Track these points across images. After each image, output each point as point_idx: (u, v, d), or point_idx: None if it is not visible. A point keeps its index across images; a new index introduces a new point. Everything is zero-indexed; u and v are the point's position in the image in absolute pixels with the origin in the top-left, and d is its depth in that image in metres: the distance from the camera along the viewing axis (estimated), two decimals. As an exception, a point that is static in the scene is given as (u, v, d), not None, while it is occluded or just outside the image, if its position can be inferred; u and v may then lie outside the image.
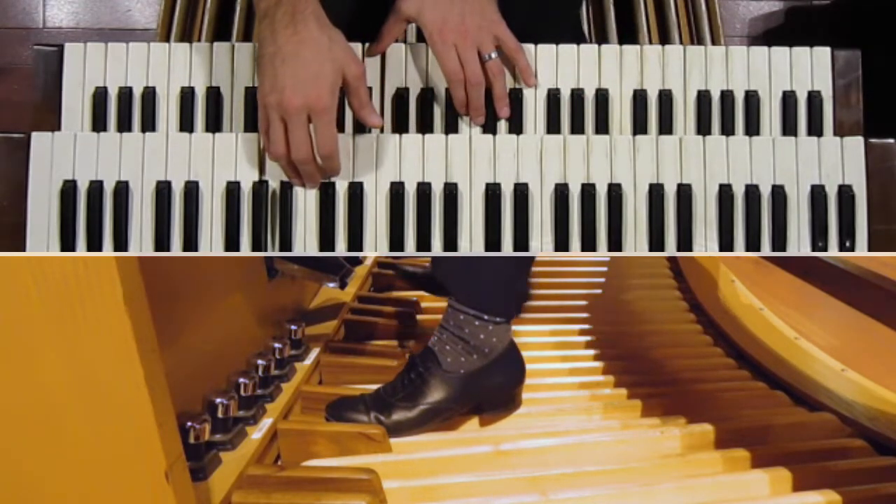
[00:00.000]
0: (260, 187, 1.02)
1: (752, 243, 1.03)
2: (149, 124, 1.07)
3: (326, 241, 1.02)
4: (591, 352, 1.53)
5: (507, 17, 1.04)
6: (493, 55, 1.02)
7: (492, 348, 1.21)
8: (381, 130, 1.04)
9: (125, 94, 1.07)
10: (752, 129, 1.07)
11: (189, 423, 0.93)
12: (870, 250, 1.04)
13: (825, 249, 1.03)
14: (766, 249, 1.03)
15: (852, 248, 1.04)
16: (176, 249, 1.01)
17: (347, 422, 1.16)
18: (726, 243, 1.03)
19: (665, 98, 1.08)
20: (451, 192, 1.02)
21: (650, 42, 1.84)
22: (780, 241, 1.03)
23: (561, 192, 1.02)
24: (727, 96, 1.08)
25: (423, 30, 1.02)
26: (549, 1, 1.17)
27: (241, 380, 1.10)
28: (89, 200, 1.02)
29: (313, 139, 0.97)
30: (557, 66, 1.08)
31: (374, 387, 1.28)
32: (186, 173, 1.02)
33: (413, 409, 1.18)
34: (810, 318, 1.58)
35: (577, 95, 1.07)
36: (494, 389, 1.24)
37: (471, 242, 1.02)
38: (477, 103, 1.04)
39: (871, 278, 1.07)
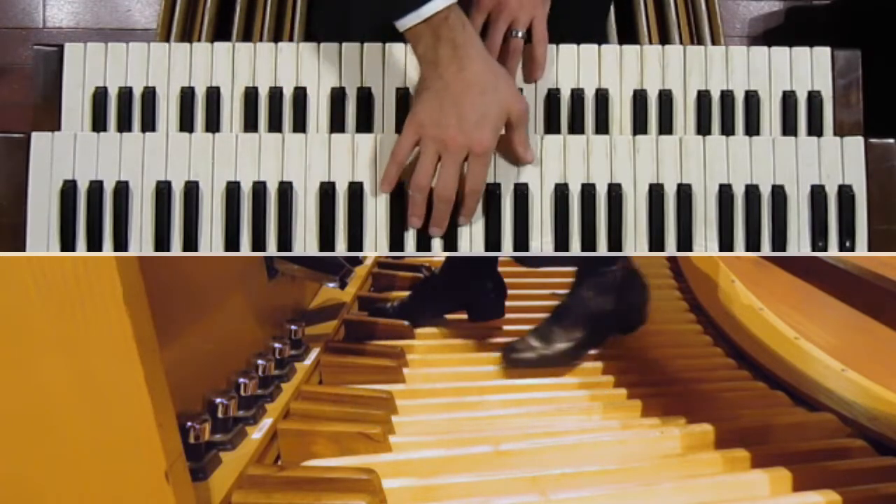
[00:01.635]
0: (260, 187, 1.02)
1: (752, 243, 1.03)
2: (149, 124, 1.07)
3: (326, 241, 1.02)
4: (591, 352, 1.52)
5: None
6: (521, 34, 1.02)
7: None
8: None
9: (125, 94, 1.07)
10: (752, 129, 1.07)
11: (189, 423, 0.93)
12: (870, 250, 1.04)
13: (825, 249, 1.03)
14: (766, 249, 1.03)
15: (852, 248, 1.04)
16: (176, 249, 1.01)
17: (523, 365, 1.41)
18: (726, 243, 1.03)
19: (665, 98, 1.08)
20: (451, 192, 1.02)
21: (650, 42, 1.84)
22: (780, 241, 1.03)
23: (561, 192, 1.02)
24: (727, 96, 1.08)
25: None
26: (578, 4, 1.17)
27: (241, 380, 1.10)
28: (89, 200, 1.02)
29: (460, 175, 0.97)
30: (557, 66, 1.08)
31: (375, 386, 1.29)
32: (186, 173, 1.02)
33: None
34: (810, 318, 1.57)
35: (577, 95, 1.07)
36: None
37: (471, 242, 1.02)
38: None
39: (871, 278, 1.07)
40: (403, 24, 0.95)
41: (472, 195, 0.99)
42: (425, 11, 0.93)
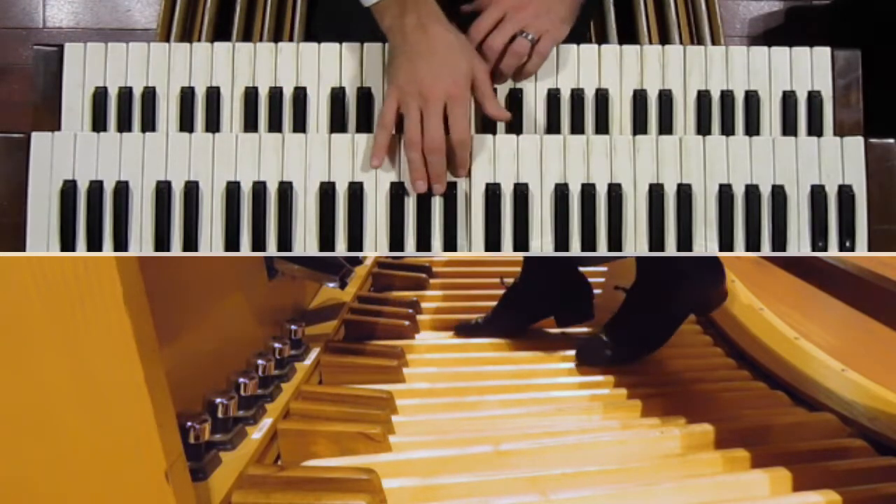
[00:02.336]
0: (260, 187, 1.02)
1: (752, 243, 1.03)
2: (149, 124, 1.07)
3: (326, 241, 1.02)
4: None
5: None
6: (530, 37, 1.02)
7: None
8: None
9: (125, 94, 1.07)
10: (752, 129, 1.07)
11: (189, 423, 0.93)
12: (870, 250, 1.04)
13: (825, 249, 1.03)
14: (766, 249, 1.03)
15: (852, 248, 1.04)
16: (176, 249, 1.01)
17: (601, 364, 1.41)
18: (726, 243, 1.03)
19: (665, 98, 1.08)
20: (450, 191, 1.02)
21: (650, 42, 1.84)
22: (780, 241, 1.03)
23: (561, 192, 1.02)
24: (727, 96, 1.08)
25: None
26: None
27: (241, 380, 1.10)
28: (89, 200, 1.02)
29: (447, 128, 0.99)
30: (557, 65, 1.08)
31: (375, 386, 1.29)
32: (186, 173, 1.02)
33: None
34: (810, 318, 1.58)
35: (577, 95, 1.07)
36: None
37: (471, 242, 1.02)
38: (490, 57, 1.04)
39: (871, 278, 1.07)
40: None
41: (460, 146, 1.00)
42: None
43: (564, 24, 1.03)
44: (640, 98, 1.07)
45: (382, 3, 0.99)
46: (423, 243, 1.02)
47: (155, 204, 1.02)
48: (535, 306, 1.59)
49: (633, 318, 1.45)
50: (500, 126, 1.06)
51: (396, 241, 1.02)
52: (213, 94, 1.07)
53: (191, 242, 1.02)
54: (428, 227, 1.02)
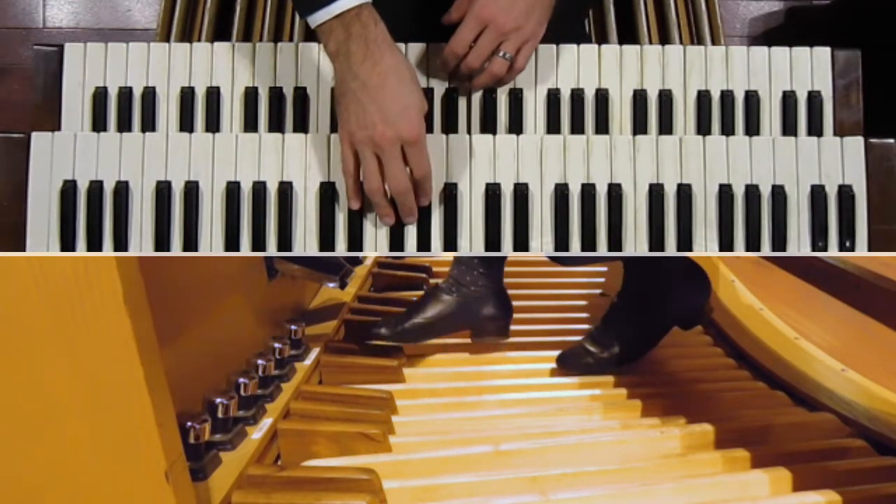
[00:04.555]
0: (260, 187, 1.02)
1: (752, 243, 1.03)
2: (149, 124, 1.07)
3: (326, 241, 1.02)
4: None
5: None
6: (508, 56, 1.01)
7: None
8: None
9: (125, 94, 1.07)
10: (752, 129, 1.07)
11: (189, 423, 0.93)
12: (870, 250, 1.04)
13: (825, 249, 1.03)
14: (766, 249, 1.03)
15: (852, 248, 1.04)
16: (176, 249, 1.01)
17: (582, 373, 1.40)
18: (726, 243, 1.03)
19: (665, 98, 1.08)
20: (451, 192, 1.02)
21: (650, 42, 1.84)
22: (780, 241, 1.03)
23: (561, 192, 1.02)
24: (727, 96, 1.08)
25: None
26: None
27: (241, 380, 1.10)
28: (89, 200, 1.02)
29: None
30: (557, 65, 1.08)
31: (375, 386, 1.29)
32: (186, 173, 1.02)
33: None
34: (810, 318, 1.57)
35: (577, 95, 1.07)
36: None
37: (471, 242, 1.02)
38: (469, 73, 1.04)
39: (871, 278, 1.07)
40: (315, 19, 0.95)
41: (421, 182, 0.99)
42: (336, 8, 0.94)
43: (542, 26, 1.02)
44: (640, 98, 1.07)
45: (327, 24, 0.95)
46: (423, 243, 1.02)
47: (155, 204, 1.02)
48: (451, 319, 1.49)
49: (615, 330, 1.45)
50: (501, 126, 1.06)
51: (396, 242, 1.02)
52: (213, 94, 1.07)
53: (191, 242, 1.02)
54: (428, 227, 1.02)
